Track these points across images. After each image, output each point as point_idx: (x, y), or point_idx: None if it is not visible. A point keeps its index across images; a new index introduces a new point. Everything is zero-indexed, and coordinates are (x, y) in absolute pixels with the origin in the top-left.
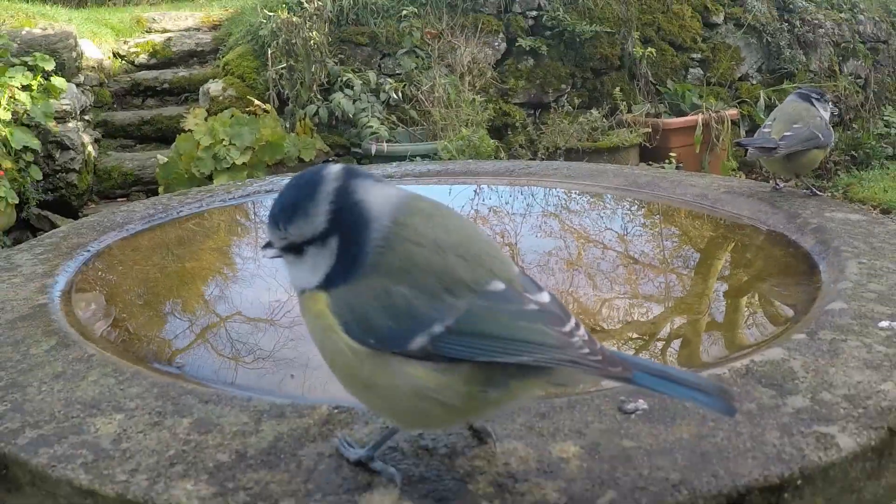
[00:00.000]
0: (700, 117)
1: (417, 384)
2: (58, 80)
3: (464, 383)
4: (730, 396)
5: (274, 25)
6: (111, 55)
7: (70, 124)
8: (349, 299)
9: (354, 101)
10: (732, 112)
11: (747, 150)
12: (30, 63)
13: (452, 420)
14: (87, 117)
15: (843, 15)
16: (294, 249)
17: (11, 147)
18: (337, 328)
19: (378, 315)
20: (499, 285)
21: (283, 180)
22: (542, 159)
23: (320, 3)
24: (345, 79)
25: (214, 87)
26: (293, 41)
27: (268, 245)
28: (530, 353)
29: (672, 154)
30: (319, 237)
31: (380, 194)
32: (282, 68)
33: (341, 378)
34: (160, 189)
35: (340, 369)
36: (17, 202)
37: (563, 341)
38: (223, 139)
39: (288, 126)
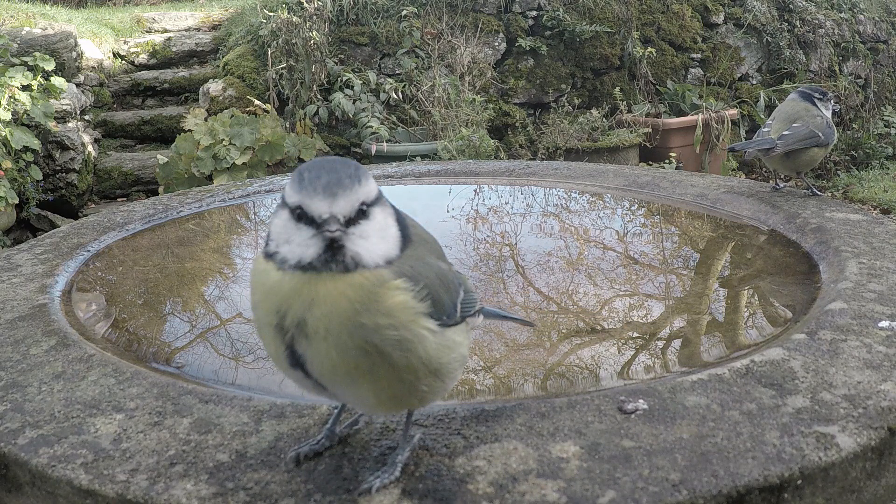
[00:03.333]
0: (700, 117)
1: (462, 350)
2: (58, 80)
3: (468, 336)
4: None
5: (274, 25)
6: (111, 55)
7: (70, 124)
8: (422, 280)
9: (354, 101)
10: (732, 112)
11: (745, 152)
12: (30, 63)
13: None
14: (87, 117)
15: (843, 15)
16: (363, 213)
17: (11, 147)
18: (422, 317)
19: (441, 291)
20: None
21: (284, 181)
22: (542, 159)
23: (320, 3)
24: (345, 79)
25: (214, 87)
26: (293, 41)
27: (328, 220)
28: (478, 300)
29: (672, 154)
30: (376, 200)
31: None
32: (282, 68)
33: (406, 376)
34: (160, 189)
35: (413, 366)
36: (17, 202)
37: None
38: (223, 139)
39: (288, 126)
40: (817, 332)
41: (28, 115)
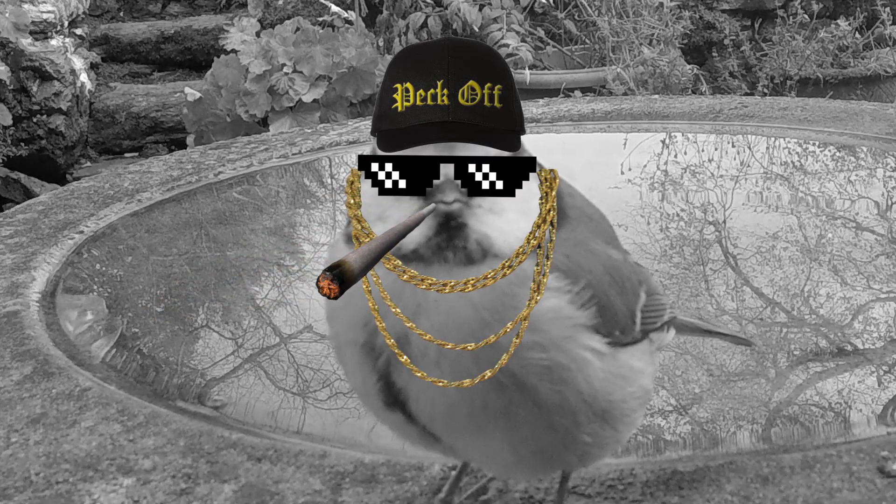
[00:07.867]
0: None
1: (643, 382)
2: None
3: (652, 360)
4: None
5: None
6: None
7: (54, 42)
8: (583, 276)
9: (481, 7)
10: None
11: None
12: None
13: None
14: (79, 31)
15: None
16: None
17: None
18: (583, 332)
19: (612, 292)
20: None
21: None
22: (764, 94)
23: None
24: None
25: None
26: None
27: (441, 185)
28: (668, 307)
29: None
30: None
31: None
32: None
33: (559, 420)
34: (189, 139)
35: (570, 405)
36: None
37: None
38: (284, 64)
39: (382, 45)
40: None
41: None
